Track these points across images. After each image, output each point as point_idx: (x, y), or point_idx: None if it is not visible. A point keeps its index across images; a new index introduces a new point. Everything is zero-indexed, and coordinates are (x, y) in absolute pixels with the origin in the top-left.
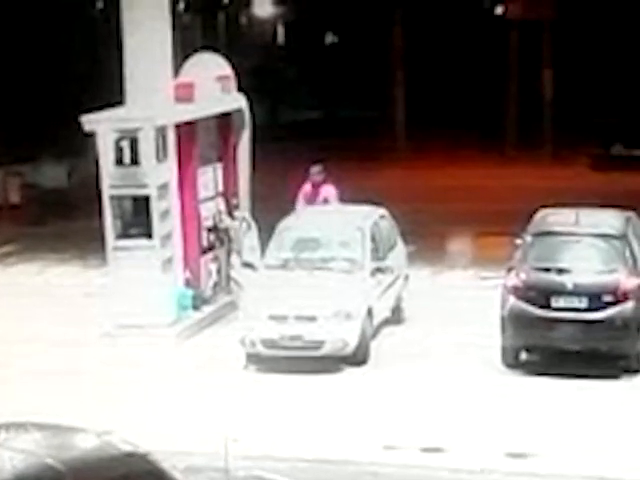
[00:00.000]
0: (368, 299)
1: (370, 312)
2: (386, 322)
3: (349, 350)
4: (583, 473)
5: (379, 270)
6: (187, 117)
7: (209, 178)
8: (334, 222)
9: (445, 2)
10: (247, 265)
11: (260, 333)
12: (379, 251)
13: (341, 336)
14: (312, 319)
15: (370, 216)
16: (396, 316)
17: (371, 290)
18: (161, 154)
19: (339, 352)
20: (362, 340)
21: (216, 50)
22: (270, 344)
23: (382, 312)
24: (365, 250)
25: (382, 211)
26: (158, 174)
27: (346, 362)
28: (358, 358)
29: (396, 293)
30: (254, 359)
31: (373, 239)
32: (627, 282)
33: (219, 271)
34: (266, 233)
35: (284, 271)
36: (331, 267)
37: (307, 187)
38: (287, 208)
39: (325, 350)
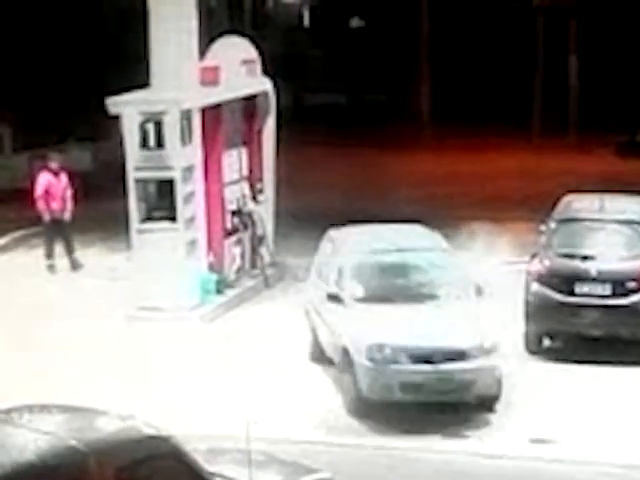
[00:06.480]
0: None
1: None
2: None
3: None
4: (608, 460)
5: None
6: (212, 100)
7: (234, 162)
8: (410, 241)
9: None
10: (332, 297)
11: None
12: None
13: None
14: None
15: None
16: None
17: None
18: (186, 137)
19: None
20: None
21: (242, 33)
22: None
23: None
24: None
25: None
26: (183, 157)
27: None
28: None
29: None
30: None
31: None
32: None
33: (242, 255)
34: (289, 217)
35: (381, 305)
36: (438, 295)
37: (47, 176)
38: (311, 192)
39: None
